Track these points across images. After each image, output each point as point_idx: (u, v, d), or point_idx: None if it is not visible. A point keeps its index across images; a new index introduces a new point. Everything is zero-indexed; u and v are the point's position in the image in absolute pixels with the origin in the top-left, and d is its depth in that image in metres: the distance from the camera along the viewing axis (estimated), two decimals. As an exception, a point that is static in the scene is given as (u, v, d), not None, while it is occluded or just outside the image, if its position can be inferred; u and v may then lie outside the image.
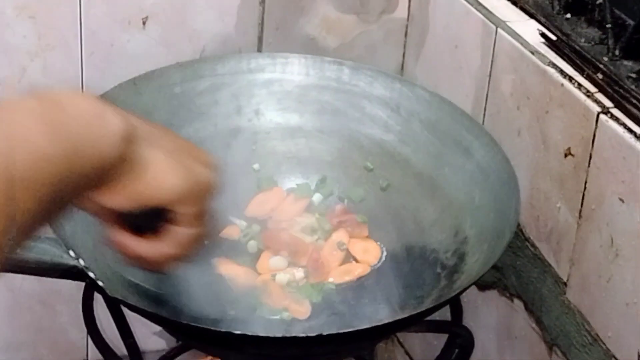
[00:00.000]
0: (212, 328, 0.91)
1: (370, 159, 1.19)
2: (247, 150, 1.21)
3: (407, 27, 1.37)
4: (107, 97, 1.13)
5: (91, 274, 0.94)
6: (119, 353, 1.08)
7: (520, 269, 1.15)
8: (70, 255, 0.94)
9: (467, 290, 1.22)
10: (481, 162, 1.10)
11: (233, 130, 1.21)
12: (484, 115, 1.19)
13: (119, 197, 0.71)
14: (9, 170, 0.58)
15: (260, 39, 1.32)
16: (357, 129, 1.21)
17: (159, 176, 0.72)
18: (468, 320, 1.16)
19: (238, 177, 1.18)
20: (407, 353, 1.46)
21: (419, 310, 0.96)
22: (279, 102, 1.22)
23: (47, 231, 0.89)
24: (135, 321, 1.08)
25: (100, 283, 0.94)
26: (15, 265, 0.89)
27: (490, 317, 1.22)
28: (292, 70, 1.23)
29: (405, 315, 0.97)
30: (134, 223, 0.78)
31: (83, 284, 1.13)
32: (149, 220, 0.78)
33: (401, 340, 1.47)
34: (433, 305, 0.96)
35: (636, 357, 0.96)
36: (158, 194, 0.73)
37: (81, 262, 0.94)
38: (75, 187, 0.65)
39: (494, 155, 1.09)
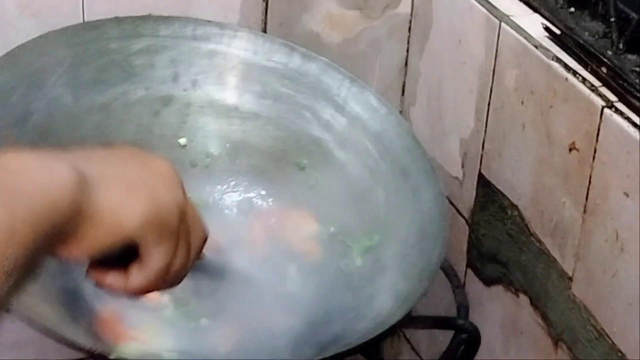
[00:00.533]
0: None
1: (305, 156, 1.13)
2: (176, 122, 1.14)
3: (410, 22, 1.36)
4: (34, 45, 1.06)
5: None
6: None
7: (525, 264, 1.14)
8: None
9: (473, 286, 1.23)
10: (417, 188, 1.04)
11: (165, 98, 1.14)
12: (488, 110, 1.19)
13: (83, 248, 0.66)
14: None
15: (263, 35, 1.32)
16: (297, 121, 1.13)
17: (115, 216, 0.67)
18: (473, 316, 1.16)
19: (160, 149, 1.11)
20: (413, 349, 1.46)
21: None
22: (220, 76, 1.15)
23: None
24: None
25: None
26: None
27: (495, 312, 1.21)
28: (239, 45, 1.15)
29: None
30: (112, 258, 0.73)
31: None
32: (124, 254, 0.73)
33: (408, 336, 1.47)
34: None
35: (642, 352, 0.96)
36: (118, 233, 0.68)
37: None
38: (31, 251, 0.61)
39: (430, 185, 1.03)
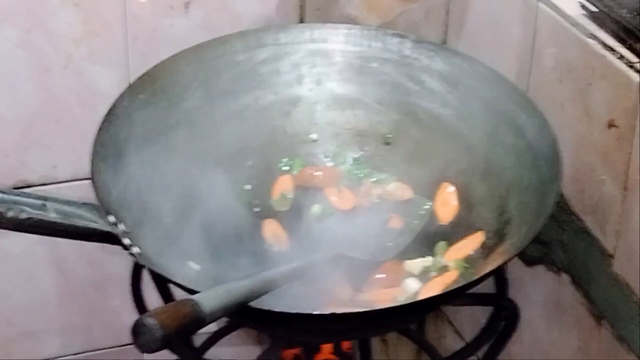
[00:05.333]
0: (262, 308, 0.91)
1: (427, 132, 1.20)
2: (307, 119, 1.24)
3: (448, 4, 1.36)
4: (170, 64, 1.17)
5: (126, 241, 0.96)
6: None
7: (566, 243, 1.14)
8: (109, 221, 0.96)
9: (515, 266, 1.23)
10: (532, 142, 1.09)
11: (293, 99, 1.23)
12: (527, 89, 1.19)
13: None
14: None
15: (301, 21, 1.32)
16: (416, 102, 1.21)
17: None
18: (516, 296, 1.16)
19: (294, 146, 1.22)
20: (456, 332, 1.46)
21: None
22: (340, 72, 1.24)
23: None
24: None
25: (134, 250, 0.96)
26: (48, 228, 0.93)
27: (538, 292, 1.22)
28: (354, 42, 1.24)
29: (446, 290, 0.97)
30: None
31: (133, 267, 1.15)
32: None
33: (450, 319, 1.47)
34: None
35: (684, 327, 0.96)
36: None
37: (121, 227, 0.97)
38: None
39: (544, 137, 1.08)
